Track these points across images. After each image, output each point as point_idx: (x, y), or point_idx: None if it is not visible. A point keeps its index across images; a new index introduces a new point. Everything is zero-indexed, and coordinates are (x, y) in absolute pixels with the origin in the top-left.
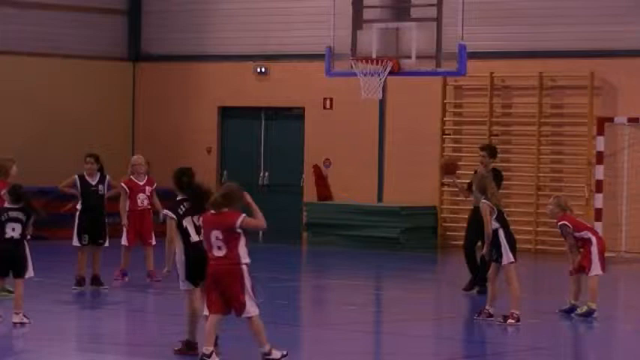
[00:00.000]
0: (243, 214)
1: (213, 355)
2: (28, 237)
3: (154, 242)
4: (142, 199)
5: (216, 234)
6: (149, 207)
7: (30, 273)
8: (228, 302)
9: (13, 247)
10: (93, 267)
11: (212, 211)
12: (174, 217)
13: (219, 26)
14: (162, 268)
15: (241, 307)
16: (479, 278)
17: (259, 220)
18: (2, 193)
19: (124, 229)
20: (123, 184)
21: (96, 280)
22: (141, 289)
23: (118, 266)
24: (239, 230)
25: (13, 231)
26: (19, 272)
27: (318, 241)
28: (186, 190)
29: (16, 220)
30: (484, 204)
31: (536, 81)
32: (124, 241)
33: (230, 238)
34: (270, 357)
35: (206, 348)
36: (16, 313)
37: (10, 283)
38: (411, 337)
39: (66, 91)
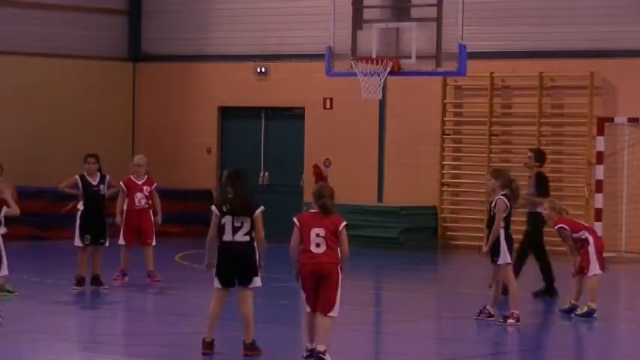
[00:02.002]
0: (346, 223)
1: (327, 354)
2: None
3: (153, 242)
4: (140, 199)
5: (317, 231)
6: (147, 206)
7: (4, 271)
8: (318, 299)
9: None
10: (93, 267)
11: (314, 211)
12: (218, 213)
13: (220, 26)
14: (162, 268)
15: (331, 306)
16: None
17: (346, 242)
18: None
19: (121, 228)
20: (121, 183)
21: (96, 280)
22: (141, 289)
23: (118, 266)
24: (338, 234)
25: None
26: None
27: None
28: (235, 190)
29: None
30: (500, 199)
31: (536, 81)
32: (120, 240)
33: (331, 238)
34: (324, 357)
35: (320, 346)
36: None
37: (10, 282)
38: (411, 337)
39: (66, 91)
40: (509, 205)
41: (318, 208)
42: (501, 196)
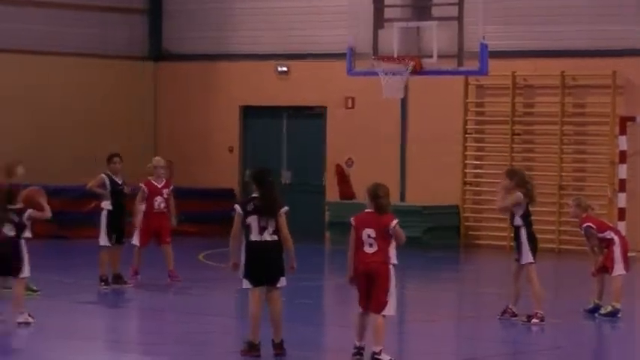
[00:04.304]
0: (397, 220)
1: (383, 354)
2: (24, 236)
3: (170, 241)
4: (159, 202)
5: (369, 232)
6: (165, 210)
7: (25, 273)
8: (370, 299)
9: (7, 246)
10: (114, 266)
11: (369, 211)
12: (242, 212)
13: (241, 25)
14: (184, 267)
15: (381, 306)
16: None
17: (402, 235)
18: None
19: (137, 229)
20: (142, 185)
21: (119, 279)
22: (162, 288)
23: (130, 266)
24: (391, 232)
25: (9, 230)
26: (13, 272)
27: (340, 240)
28: (263, 190)
29: (10, 220)
30: (517, 194)
31: (559, 80)
32: (135, 240)
33: (382, 238)
34: (379, 357)
35: (375, 346)
36: (20, 313)
37: (34, 281)
38: (434, 337)
39: (87, 90)
40: (524, 202)
41: (373, 207)
42: (519, 193)
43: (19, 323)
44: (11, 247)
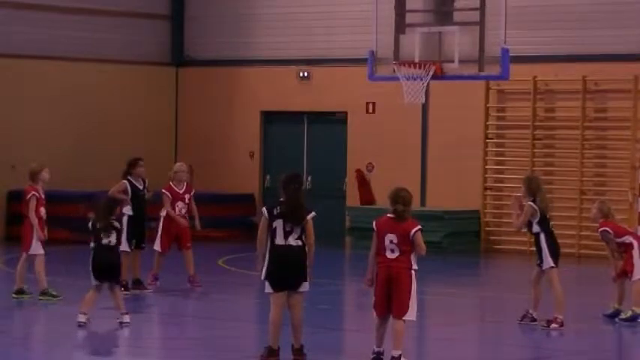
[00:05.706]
0: (420, 227)
1: (402, 358)
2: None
3: (190, 246)
4: (180, 208)
5: (390, 237)
6: (187, 215)
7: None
8: (391, 303)
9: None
10: (134, 271)
11: (390, 216)
12: (267, 216)
13: (262, 31)
14: (204, 272)
15: (403, 309)
16: None
17: (422, 245)
18: (27, 197)
19: (158, 234)
20: (165, 191)
21: (138, 284)
22: (183, 293)
23: (150, 271)
24: (411, 239)
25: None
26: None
27: (360, 245)
28: (287, 195)
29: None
30: (528, 204)
31: (580, 85)
32: (157, 246)
33: (404, 243)
34: None
35: (394, 351)
36: (123, 314)
37: (55, 286)
38: (454, 341)
39: (110, 95)
40: (537, 209)
41: (392, 213)
42: (530, 202)
43: (122, 323)
44: (117, 255)
